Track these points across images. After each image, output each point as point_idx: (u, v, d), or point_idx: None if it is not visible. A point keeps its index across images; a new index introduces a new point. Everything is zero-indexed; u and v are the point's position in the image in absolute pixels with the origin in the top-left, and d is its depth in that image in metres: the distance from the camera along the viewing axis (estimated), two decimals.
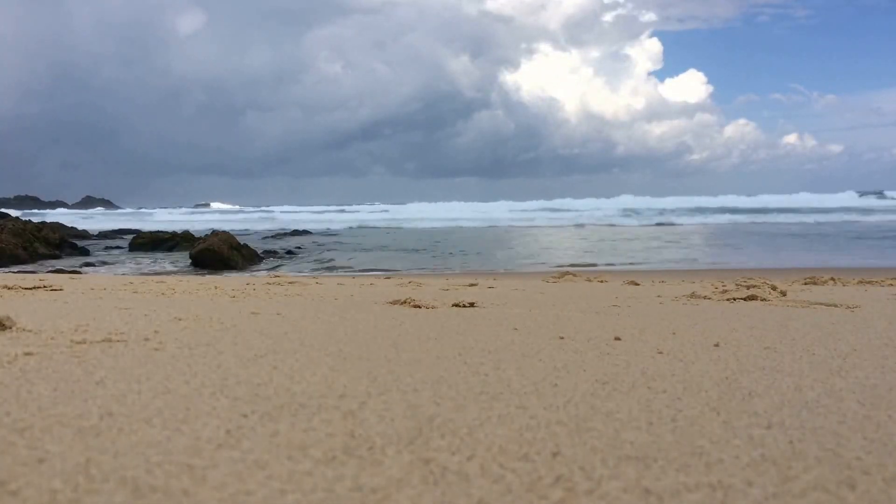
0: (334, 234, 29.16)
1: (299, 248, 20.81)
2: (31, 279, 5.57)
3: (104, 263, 16.32)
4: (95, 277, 7.11)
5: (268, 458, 1.17)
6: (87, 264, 15.76)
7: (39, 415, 1.37)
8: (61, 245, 17.79)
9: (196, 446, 1.22)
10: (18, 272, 11.72)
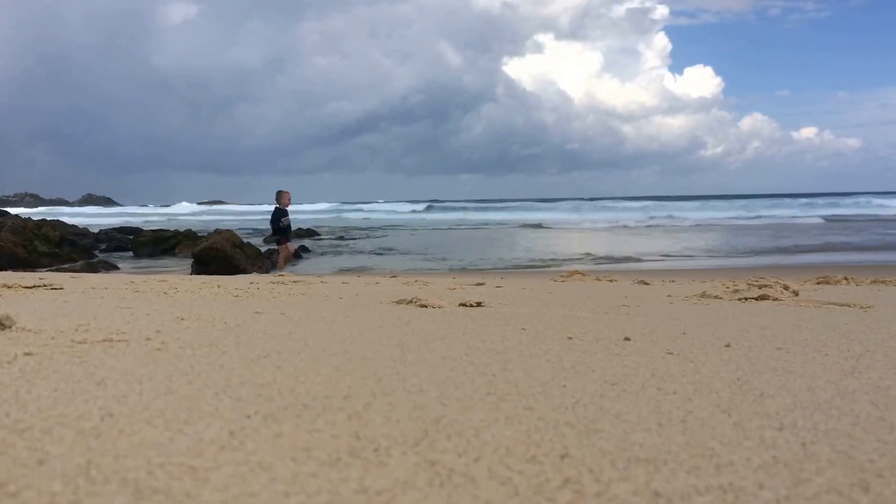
0: (341, 237, 28.84)
1: (304, 247, 20.77)
2: (30, 277, 5.58)
3: (106, 262, 16.34)
4: (96, 276, 7.12)
5: (271, 460, 1.17)
6: (89, 263, 15.77)
7: (39, 416, 1.38)
8: (61, 243, 17.80)
9: (198, 448, 1.22)
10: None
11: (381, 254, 20.14)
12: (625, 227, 35.03)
